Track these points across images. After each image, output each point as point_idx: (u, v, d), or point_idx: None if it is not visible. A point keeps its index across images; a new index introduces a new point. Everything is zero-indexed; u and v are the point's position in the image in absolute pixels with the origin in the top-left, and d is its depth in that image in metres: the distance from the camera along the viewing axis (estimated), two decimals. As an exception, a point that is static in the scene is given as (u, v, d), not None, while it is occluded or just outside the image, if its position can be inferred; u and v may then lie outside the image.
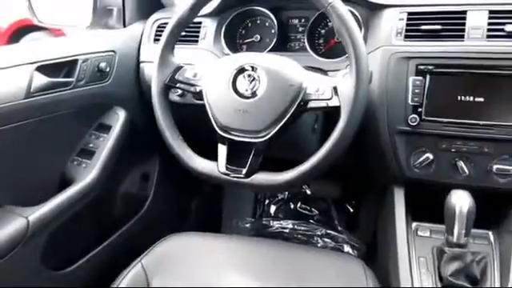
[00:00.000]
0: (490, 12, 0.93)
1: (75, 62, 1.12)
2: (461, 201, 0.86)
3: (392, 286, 0.96)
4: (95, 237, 1.25)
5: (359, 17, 1.07)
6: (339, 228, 1.65)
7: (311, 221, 1.70)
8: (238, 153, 0.89)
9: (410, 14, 0.99)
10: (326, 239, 1.62)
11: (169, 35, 0.95)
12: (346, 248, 1.59)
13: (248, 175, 0.87)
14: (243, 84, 0.87)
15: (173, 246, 1.00)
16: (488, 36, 0.92)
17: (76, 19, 1.38)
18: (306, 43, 1.13)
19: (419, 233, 1.02)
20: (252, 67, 0.86)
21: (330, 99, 0.82)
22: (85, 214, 1.15)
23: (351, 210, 1.69)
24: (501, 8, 0.93)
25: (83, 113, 1.17)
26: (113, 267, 0.97)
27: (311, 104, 0.84)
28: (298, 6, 1.17)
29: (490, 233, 1.00)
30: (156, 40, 1.29)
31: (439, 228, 0.99)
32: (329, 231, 1.63)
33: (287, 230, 1.67)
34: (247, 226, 1.71)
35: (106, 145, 1.18)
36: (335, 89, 0.82)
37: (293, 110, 0.84)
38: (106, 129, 1.22)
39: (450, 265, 0.87)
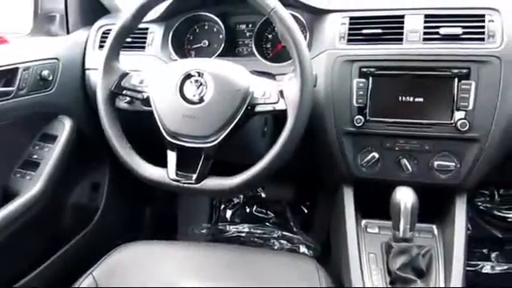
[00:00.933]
0: (426, 16, 0.98)
1: (15, 70, 1.08)
2: (405, 197, 0.90)
3: (344, 282, 0.99)
4: (45, 250, 1.21)
5: (304, 21, 1.09)
6: (295, 229, 1.67)
7: (267, 224, 1.71)
8: (187, 159, 0.88)
9: (351, 18, 1.03)
10: (282, 241, 1.64)
11: (113, 42, 0.93)
12: (302, 249, 1.61)
13: (198, 181, 0.86)
14: (190, 90, 0.86)
15: (125, 256, 0.97)
16: (424, 39, 0.96)
17: (18, 26, 1.32)
18: (254, 48, 1.14)
19: (368, 230, 1.06)
20: (198, 73, 0.86)
21: (277, 103, 0.84)
22: (33, 227, 1.11)
23: (306, 211, 1.72)
24: (435, 12, 0.98)
25: (25, 123, 1.13)
26: (65, 280, 0.94)
27: (258, 108, 0.85)
28: (245, 12, 1.18)
29: (434, 226, 1.05)
30: (101, 47, 1.26)
31: (387, 224, 1.03)
32: (285, 233, 1.65)
33: (244, 234, 1.68)
34: (203, 231, 1.70)
35: (51, 155, 1.14)
36: (281, 92, 0.84)
37: (240, 114, 0.84)
38: (51, 139, 1.18)
39: (397, 259, 0.91)
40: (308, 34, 1.09)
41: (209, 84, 0.85)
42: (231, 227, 1.70)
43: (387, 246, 0.95)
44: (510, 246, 1.56)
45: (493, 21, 0.95)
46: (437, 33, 0.96)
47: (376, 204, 1.04)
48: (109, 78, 0.94)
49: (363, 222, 1.08)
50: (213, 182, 0.86)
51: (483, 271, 1.50)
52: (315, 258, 1.53)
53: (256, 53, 1.13)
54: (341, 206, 1.08)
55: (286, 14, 0.83)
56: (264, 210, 1.74)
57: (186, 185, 0.87)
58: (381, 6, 1.03)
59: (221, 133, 0.85)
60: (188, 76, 0.87)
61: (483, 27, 0.94)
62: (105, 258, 0.96)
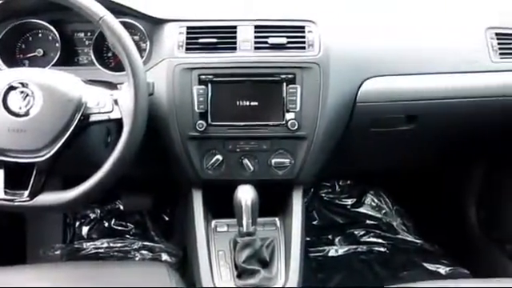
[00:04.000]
0: (256, 27, 1.07)
1: None
2: (245, 195, 0.97)
3: (196, 282, 1.02)
4: None
5: (143, 30, 1.10)
6: (156, 238, 1.66)
7: (127, 236, 1.67)
8: (18, 175, 0.83)
9: (188, 28, 1.07)
10: (143, 251, 1.61)
11: None
12: (164, 256, 1.61)
13: (31, 197, 0.81)
14: (16, 102, 0.81)
15: None
16: (255, 48, 1.05)
17: None
18: (93, 57, 1.11)
19: (218, 229, 1.11)
20: (22, 84, 0.81)
21: (112, 112, 0.83)
22: None
23: (167, 219, 1.72)
24: (264, 23, 1.08)
25: None
26: None
27: (93, 118, 0.84)
28: (81, 20, 1.14)
29: (277, 219, 1.14)
30: None
31: (234, 222, 1.08)
32: (145, 243, 1.63)
33: (102, 250, 1.61)
34: (57, 253, 1.58)
35: None
36: (116, 101, 0.83)
37: (74, 125, 0.82)
38: None
39: (243, 252, 0.97)
40: (148, 43, 1.10)
41: (36, 95, 0.81)
42: (88, 244, 1.62)
43: (234, 241, 1.01)
44: (349, 229, 1.77)
45: (311, 31, 1.07)
46: (266, 42, 1.05)
47: (225, 204, 1.10)
48: None
49: (213, 222, 1.12)
50: (48, 197, 0.82)
51: (329, 255, 1.67)
52: (177, 264, 1.56)
53: (96, 62, 1.11)
54: (191, 208, 1.11)
55: (115, 22, 0.83)
56: (123, 223, 1.70)
57: (17, 203, 0.82)
58: (216, 17, 1.09)
59: (53, 145, 0.81)
60: (12, 87, 0.82)
61: (304, 37, 1.06)
62: None
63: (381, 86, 1.11)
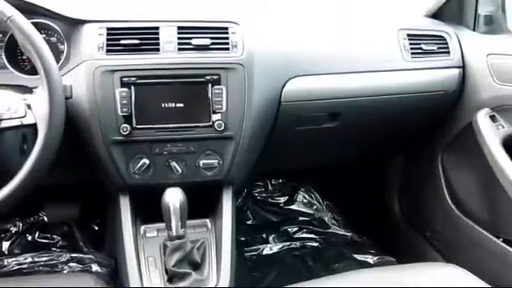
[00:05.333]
0: (179, 28, 1.06)
1: None
2: (173, 197, 0.95)
3: (125, 291, 0.99)
4: None
5: (60, 32, 1.05)
6: (85, 249, 1.59)
7: (54, 249, 1.58)
8: None
9: (109, 29, 1.03)
10: (71, 264, 1.53)
11: None
12: (95, 267, 1.53)
13: None
14: None
15: None
16: (179, 49, 1.04)
17: None
18: (5, 60, 1.04)
19: (147, 234, 1.09)
20: None
21: (24, 117, 0.79)
22: None
23: (96, 228, 1.66)
24: (187, 24, 1.07)
25: None
26: None
27: (4, 123, 0.79)
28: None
29: (208, 220, 1.14)
30: None
31: (164, 226, 1.07)
32: (74, 255, 1.54)
33: (26, 266, 1.51)
34: (-27, 273, 1.47)
35: None
36: (29, 106, 0.79)
37: None
38: None
39: (173, 256, 0.96)
40: (66, 45, 1.05)
41: None
42: (10, 260, 1.51)
43: (163, 246, 1.00)
44: (283, 227, 1.81)
45: (235, 33, 1.08)
46: (189, 43, 1.05)
47: (155, 208, 1.08)
48: None
49: (142, 227, 1.10)
50: None
51: (264, 253, 1.70)
52: (109, 273, 1.50)
53: (8, 65, 1.04)
54: (118, 215, 1.08)
55: (24, 22, 0.79)
56: (49, 235, 1.61)
57: None
58: (136, 18, 1.07)
59: None
60: None
61: (227, 38, 1.07)
62: None
63: (304, 86, 1.14)
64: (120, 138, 1.01)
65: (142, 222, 1.11)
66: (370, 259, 1.67)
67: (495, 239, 1.25)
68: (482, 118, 1.22)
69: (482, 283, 0.90)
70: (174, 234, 0.96)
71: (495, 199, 1.25)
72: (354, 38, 1.24)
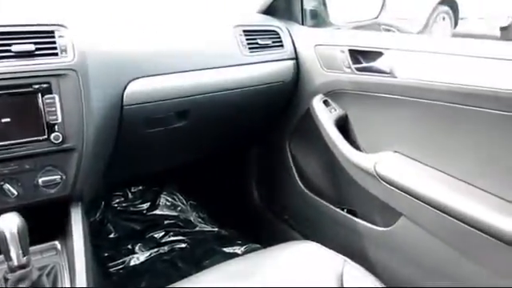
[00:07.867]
0: None
1: None
2: (8, 224, 0.84)
3: None
4: None
5: None
6: None
7: None
8: None
9: None
10: None
11: None
12: None
13: None
14: None
15: None
16: None
17: None
18: None
19: None
20: None
21: None
22: None
23: None
24: (5, 29, 0.95)
25: None
26: None
27: None
28: None
29: (57, 242, 1.04)
30: None
31: (2, 258, 0.95)
32: None
33: None
34: None
35: None
36: None
37: None
38: None
39: (17, 289, 0.85)
40: None
41: None
42: None
43: (4, 279, 0.88)
44: (148, 234, 1.76)
45: (63, 36, 1.00)
46: (9, 50, 0.94)
47: None
48: None
49: None
50: None
51: (131, 264, 1.63)
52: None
53: None
54: None
55: None
56: None
57: None
58: None
59: None
60: None
61: (55, 42, 0.98)
62: None
63: (146, 87, 1.12)
64: None
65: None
66: (238, 250, 1.73)
67: (339, 211, 1.39)
68: (317, 104, 1.34)
69: (332, 253, 0.99)
70: (16, 263, 0.85)
71: (335, 174, 1.39)
72: (192, 37, 1.25)
